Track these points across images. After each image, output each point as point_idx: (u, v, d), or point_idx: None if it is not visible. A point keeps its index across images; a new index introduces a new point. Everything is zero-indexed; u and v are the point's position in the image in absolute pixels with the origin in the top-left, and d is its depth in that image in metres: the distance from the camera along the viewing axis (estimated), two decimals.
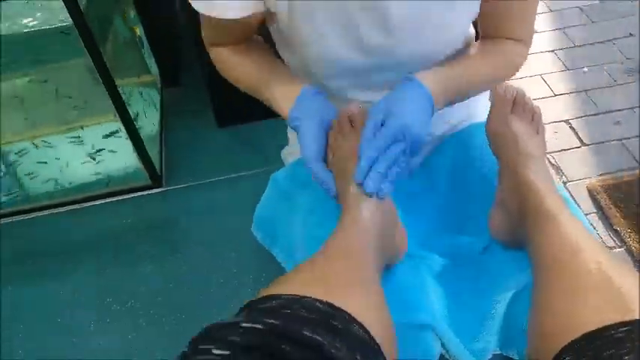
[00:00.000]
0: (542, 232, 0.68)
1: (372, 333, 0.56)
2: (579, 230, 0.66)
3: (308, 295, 0.55)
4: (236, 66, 0.90)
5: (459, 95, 0.83)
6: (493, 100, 0.83)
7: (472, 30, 0.87)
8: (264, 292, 0.57)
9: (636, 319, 0.52)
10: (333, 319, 0.53)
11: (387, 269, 0.79)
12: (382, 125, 0.73)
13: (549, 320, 0.59)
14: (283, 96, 0.83)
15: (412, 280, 0.78)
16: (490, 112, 0.82)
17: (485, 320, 0.76)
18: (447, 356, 0.74)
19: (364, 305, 0.59)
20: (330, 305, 0.55)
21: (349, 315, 0.55)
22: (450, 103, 0.82)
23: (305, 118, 0.80)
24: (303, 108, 0.80)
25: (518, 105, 0.81)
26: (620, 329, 0.51)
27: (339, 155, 0.79)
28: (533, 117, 0.82)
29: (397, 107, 0.73)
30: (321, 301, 0.55)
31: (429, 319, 0.73)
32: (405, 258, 0.82)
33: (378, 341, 0.56)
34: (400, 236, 0.80)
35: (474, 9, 0.81)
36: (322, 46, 0.81)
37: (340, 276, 0.63)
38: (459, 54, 0.87)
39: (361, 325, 0.55)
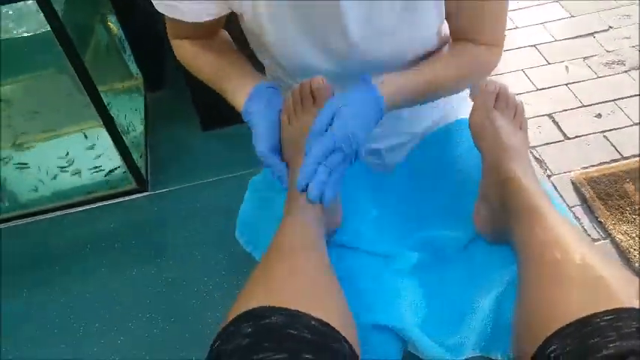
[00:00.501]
0: (526, 226, 0.69)
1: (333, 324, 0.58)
2: (563, 224, 0.66)
3: (270, 305, 0.57)
4: (197, 57, 0.91)
5: (416, 97, 0.82)
6: (476, 95, 0.83)
7: (447, 29, 0.87)
8: (230, 316, 0.58)
9: (620, 308, 0.53)
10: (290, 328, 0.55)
11: (348, 272, 0.80)
12: (330, 126, 0.73)
13: (534, 311, 0.59)
14: (239, 90, 0.84)
15: (373, 280, 0.79)
16: (473, 107, 0.83)
17: (466, 315, 0.75)
18: (420, 356, 0.74)
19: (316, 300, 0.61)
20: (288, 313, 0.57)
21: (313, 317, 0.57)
22: (407, 104, 0.82)
23: (258, 112, 0.81)
24: (257, 103, 0.81)
25: (501, 100, 0.81)
26: (605, 317, 0.52)
27: (294, 125, 0.80)
28: (516, 112, 0.82)
29: (345, 112, 0.73)
30: (282, 311, 0.57)
31: (387, 320, 0.73)
32: (369, 258, 0.83)
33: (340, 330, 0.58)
34: (338, 210, 0.83)
35: (436, 17, 0.81)
36: (289, 50, 0.82)
37: (292, 277, 0.64)
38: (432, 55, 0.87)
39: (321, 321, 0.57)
